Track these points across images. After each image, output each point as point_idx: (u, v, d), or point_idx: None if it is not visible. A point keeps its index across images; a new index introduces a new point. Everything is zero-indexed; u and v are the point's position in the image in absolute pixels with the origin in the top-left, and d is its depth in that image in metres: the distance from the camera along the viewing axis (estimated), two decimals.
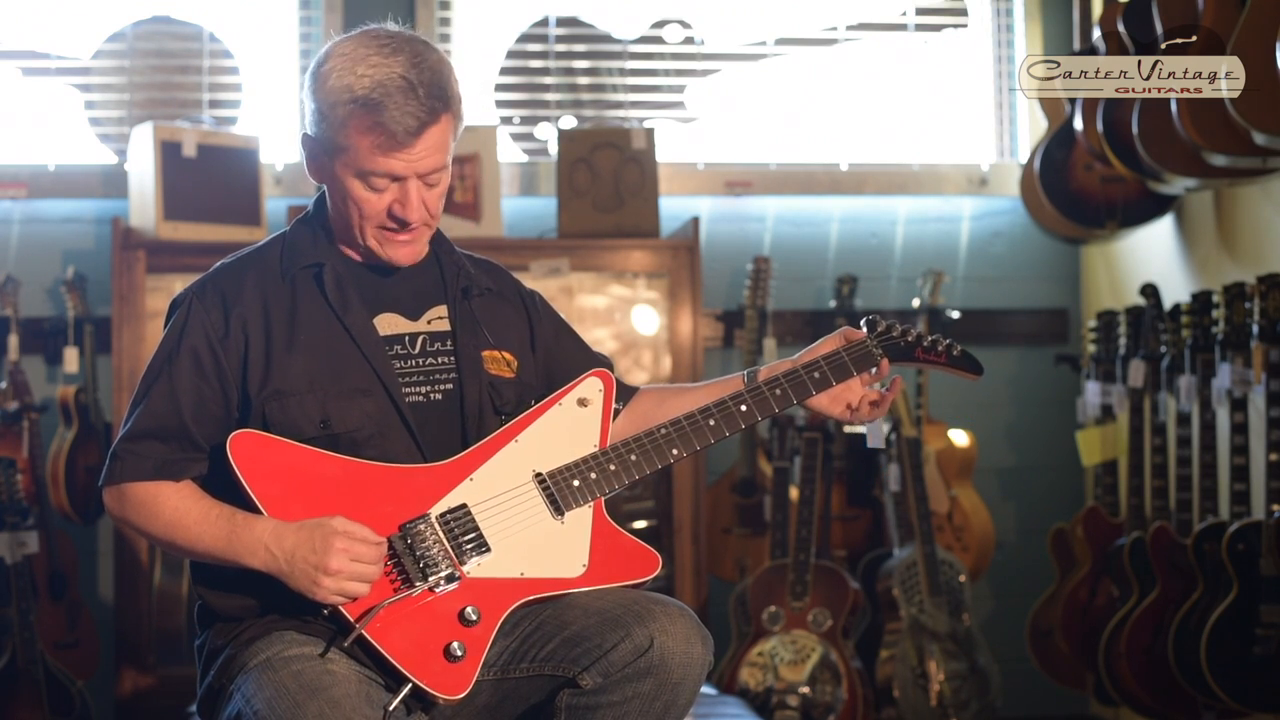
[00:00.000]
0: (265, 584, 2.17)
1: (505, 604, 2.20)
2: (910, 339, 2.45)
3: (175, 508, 2.21)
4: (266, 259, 2.33)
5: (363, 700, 2.08)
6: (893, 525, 4.42)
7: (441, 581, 2.16)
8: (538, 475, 2.27)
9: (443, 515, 2.21)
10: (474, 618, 2.16)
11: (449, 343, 2.34)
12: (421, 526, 2.19)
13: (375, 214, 2.26)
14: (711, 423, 2.34)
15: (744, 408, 2.36)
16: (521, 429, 2.29)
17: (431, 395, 2.30)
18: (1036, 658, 4.56)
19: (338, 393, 2.25)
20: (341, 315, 2.28)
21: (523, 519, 2.24)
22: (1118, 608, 4.11)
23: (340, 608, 2.14)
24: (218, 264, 2.35)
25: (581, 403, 2.34)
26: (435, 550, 2.18)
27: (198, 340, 2.27)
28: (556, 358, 2.47)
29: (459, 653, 2.14)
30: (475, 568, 2.20)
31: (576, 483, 2.27)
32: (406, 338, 2.33)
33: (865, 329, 2.45)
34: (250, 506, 2.17)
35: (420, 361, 2.32)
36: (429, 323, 2.36)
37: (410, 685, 2.12)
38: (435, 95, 2.21)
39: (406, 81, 2.19)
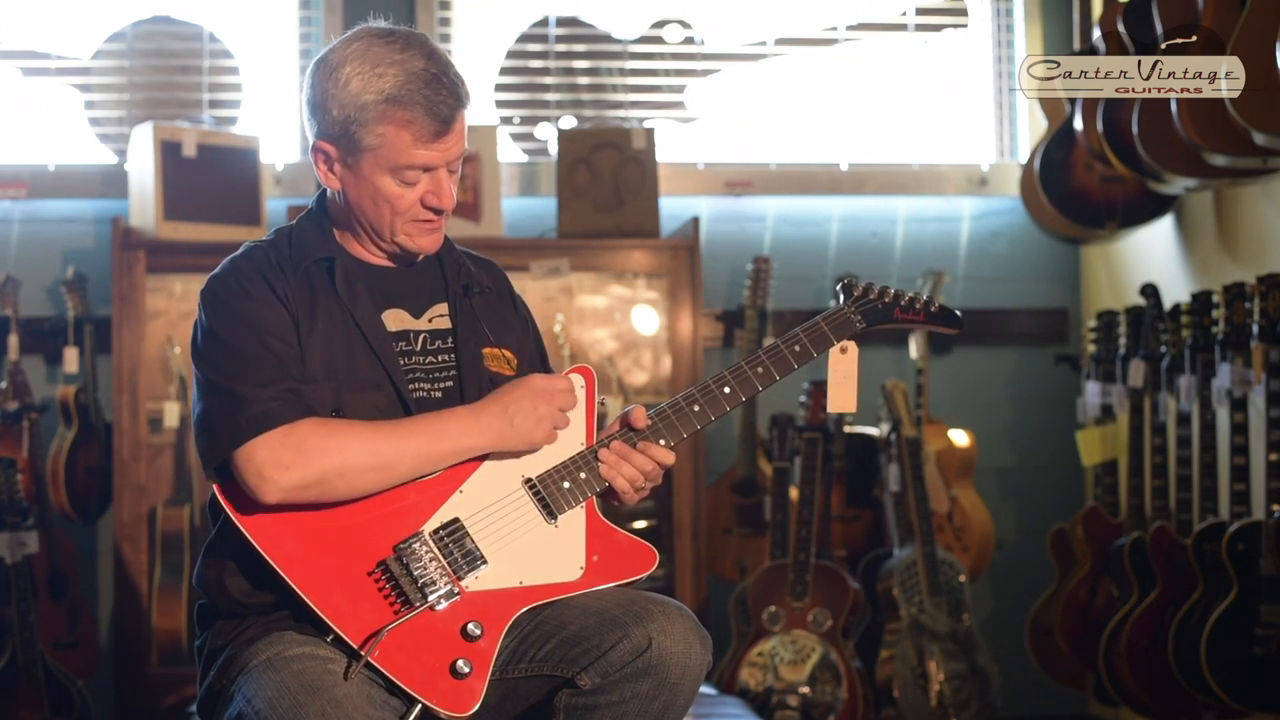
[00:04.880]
0: (265, 585, 2.17)
1: (507, 615, 2.18)
2: (888, 299, 2.39)
3: (360, 429, 2.15)
4: (279, 249, 2.32)
5: (364, 700, 2.08)
6: (893, 525, 4.42)
7: (441, 599, 2.15)
8: (527, 480, 2.25)
9: (436, 532, 2.19)
10: (477, 633, 2.15)
11: (449, 340, 2.34)
12: (416, 545, 2.17)
13: (409, 208, 2.26)
14: (696, 408, 2.31)
15: (727, 389, 2.32)
16: None
17: (432, 393, 2.30)
18: (1036, 658, 4.56)
19: (351, 384, 2.24)
20: (352, 309, 2.28)
21: (516, 527, 2.22)
22: (1118, 608, 4.11)
23: (344, 634, 2.12)
24: (233, 255, 2.31)
25: None
26: (432, 568, 2.16)
27: (267, 306, 2.21)
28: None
29: (465, 669, 2.12)
30: (474, 581, 2.18)
31: (566, 484, 2.25)
32: (410, 335, 2.33)
33: (841, 294, 2.40)
34: (245, 543, 2.15)
35: (422, 360, 2.31)
36: (430, 320, 2.35)
37: (420, 706, 2.12)
38: (457, 83, 2.25)
39: (430, 74, 2.22)
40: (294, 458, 2.11)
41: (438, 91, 2.21)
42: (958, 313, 2.45)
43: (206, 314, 2.24)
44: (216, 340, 2.20)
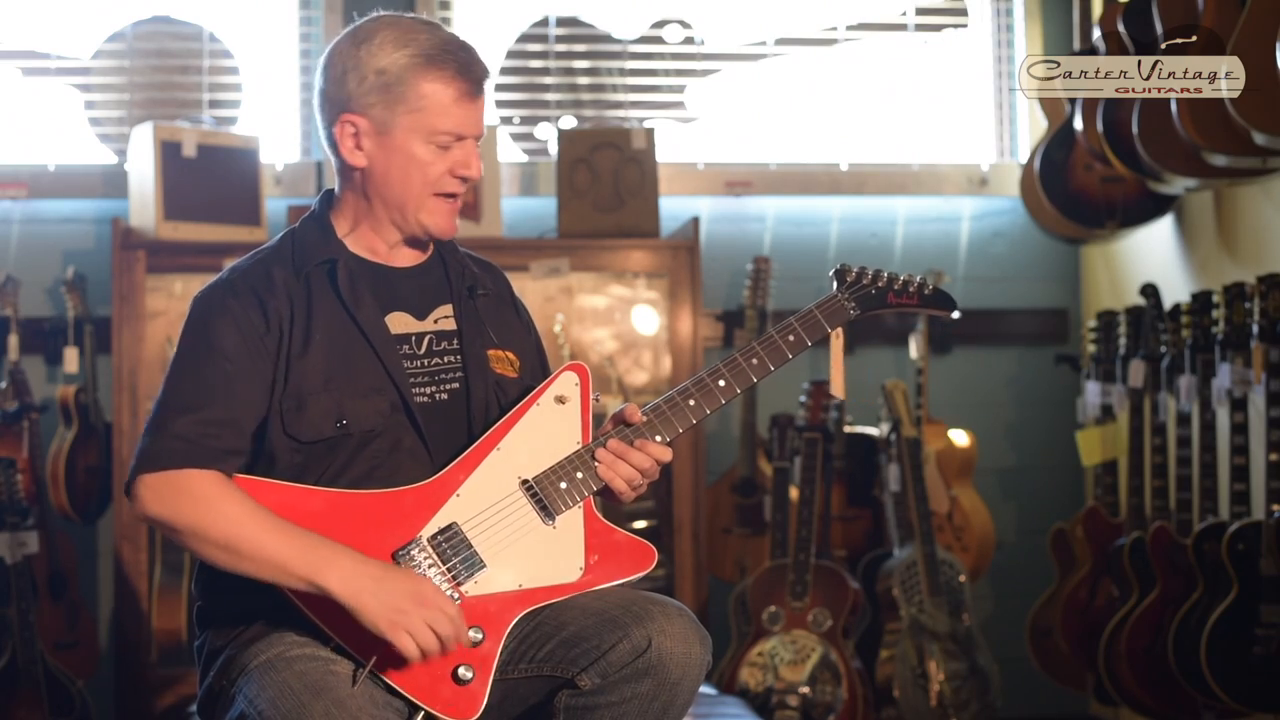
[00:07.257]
0: (264, 591, 2.15)
1: (508, 619, 2.18)
2: (881, 284, 2.36)
3: (241, 505, 2.12)
4: (282, 255, 2.31)
5: (367, 701, 2.08)
6: (893, 525, 4.42)
7: None
8: (524, 482, 2.23)
9: (433, 537, 2.18)
10: (478, 638, 2.14)
11: (455, 342, 2.33)
12: (414, 551, 2.16)
13: (439, 177, 2.27)
14: (692, 403, 2.29)
15: (721, 382, 2.29)
16: (502, 435, 2.25)
17: (437, 396, 2.28)
18: (1036, 658, 4.56)
19: (353, 392, 2.22)
20: (354, 313, 2.26)
21: (514, 529, 2.21)
22: (1118, 608, 4.11)
23: (345, 643, 2.12)
24: (236, 264, 2.31)
25: (559, 400, 2.29)
26: (431, 573, 2.15)
27: (238, 330, 2.21)
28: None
29: (467, 675, 2.12)
30: (473, 586, 2.17)
31: (563, 484, 2.24)
32: (414, 338, 2.31)
33: (834, 281, 2.37)
34: None
35: (426, 362, 2.30)
36: (435, 322, 2.34)
37: (423, 713, 2.12)
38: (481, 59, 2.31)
39: (459, 42, 2.28)
40: (170, 498, 2.14)
41: (469, 54, 2.26)
42: (952, 296, 2.44)
43: (184, 323, 2.27)
44: (177, 354, 2.24)
